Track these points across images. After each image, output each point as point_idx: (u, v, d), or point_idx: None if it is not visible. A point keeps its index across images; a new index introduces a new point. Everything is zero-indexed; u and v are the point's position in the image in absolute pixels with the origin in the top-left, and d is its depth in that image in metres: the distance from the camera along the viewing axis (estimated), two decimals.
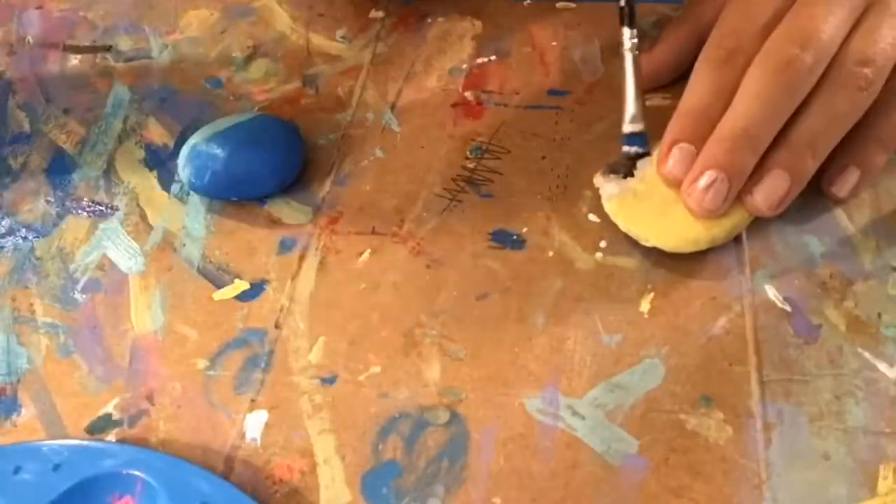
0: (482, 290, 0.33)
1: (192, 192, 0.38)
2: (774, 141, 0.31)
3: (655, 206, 0.33)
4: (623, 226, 0.33)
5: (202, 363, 0.33)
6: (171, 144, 0.41)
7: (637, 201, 0.33)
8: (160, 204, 0.38)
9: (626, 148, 0.34)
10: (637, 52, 0.35)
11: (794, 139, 0.31)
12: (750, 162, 0.31)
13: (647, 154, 0.34)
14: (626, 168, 0.34)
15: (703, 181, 0.31)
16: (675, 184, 0.33)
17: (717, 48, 0.33)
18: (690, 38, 0.37)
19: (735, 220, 0.32)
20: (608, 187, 0.34)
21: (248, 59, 0.44)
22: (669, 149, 0.33)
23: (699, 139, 0.32)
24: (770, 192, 0.31)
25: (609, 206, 0.34)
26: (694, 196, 0.31)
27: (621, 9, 0.36)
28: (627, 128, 0.34)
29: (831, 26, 0.31)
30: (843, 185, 0.33)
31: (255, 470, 0.30)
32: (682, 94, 0.34)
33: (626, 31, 0.35)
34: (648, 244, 0.32)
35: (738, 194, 0.32)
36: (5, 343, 0.35)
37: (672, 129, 0.33)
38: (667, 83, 0.38)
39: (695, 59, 0.34)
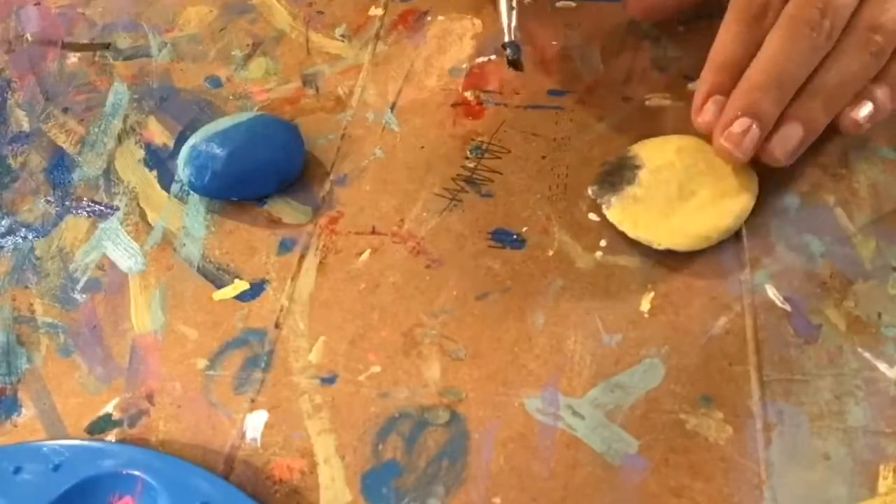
0: (482, 289, 0.33)
1: (191, 192, 0.38)
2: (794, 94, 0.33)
3: (659, 208, 0.33)
4: (632, 233, 0.33)
5: (202, 363, 0.33)
6: (171, 144, 0.41)
7: (640, 206, 0.33)
8: (160, 204, 0.38)
9: (507, 54, 0.37)
10: None
11: (808, 94, 0.33)
12: (775, 112, 0.33)
13: (519, 58, 0.37)
14: (618, 175, 0.34)
15: (739, 126, 0.33)
16: (710, 131, 0.34)
17: (749, 4, 0.34)
18: None
19: (741, 208, 0.33)
20: (606, 197, 0.34)
21: (248, 58, 0.44)
22: (704, 101, 0.34)
23: (765, 116, 0.33)
24: (786, 140, 0.33)
25: (613, 216, 0.34)
26: (732, 139, 0.33)
27: None
28: (506, 39, 0.37)
29: None
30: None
31: (255, 470, 0.30)
32: (709, 49, 0.35)
33: None
34: (661, 247, 0.32)
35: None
36: (5, 343, 0.35)
37: (705, 81, 0.35)
38: (675, 11, 0.40)
39: None
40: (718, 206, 0.33)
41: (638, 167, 0.34)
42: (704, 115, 0.34)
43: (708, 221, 0.32)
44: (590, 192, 0.35)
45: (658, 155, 0.34)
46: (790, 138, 0.33)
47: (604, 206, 0.34)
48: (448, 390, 0.31)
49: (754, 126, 0.33)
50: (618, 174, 0.34)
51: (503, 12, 0.37)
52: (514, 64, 0.37)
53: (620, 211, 0.33)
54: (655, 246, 0.33)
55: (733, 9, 0.35)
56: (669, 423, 0.29)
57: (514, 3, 0.37)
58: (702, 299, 0.32)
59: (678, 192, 0.33)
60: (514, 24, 0.37)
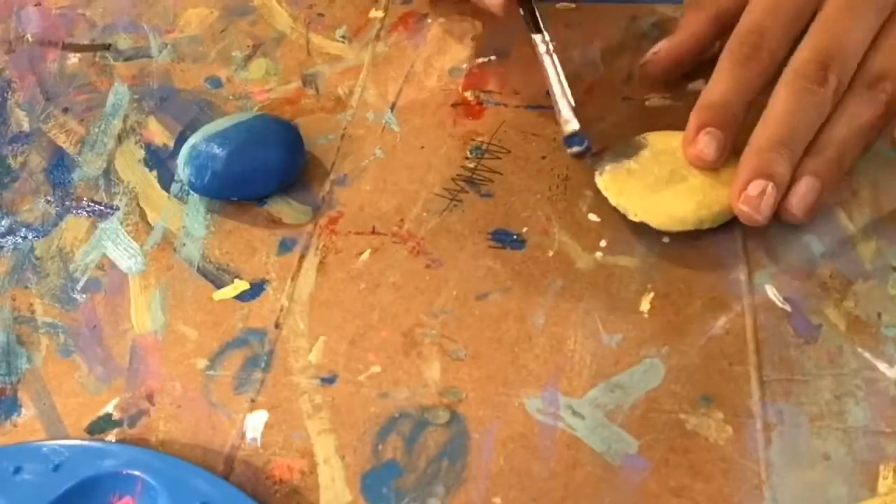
0: (482, 290, 0.33)
1: (191, 192, 0.38)
2: (805, 150, 0.33)
3: (647, 184, 0.34)
4: (613, 199, 0.34)
5: (202, 363, 0.33)
6: (171, 144, 0.41)
7: (630, 178, 0.34)
8: (160, 203, 0.38)
9: (569, 150, 0.35)
10: (554, 55, 0.36)
11: (822, 148, 0.33)
12: (788, 171, 0.32)
13: (588, 150, 0.35)
14: (622, 151, 0.35)
15: (755, 189, 0.32)
16: (705, 167, 0.33)
17: (741, 44, 0.34)
18: (711, 23, 0.37)
19: (724, 207, 0.33)
20: (601, 165, 0.35)
21: (248, 59, 0.44)
22: (697, 133, 0.34)
23: (723, 128, 0.33)
24: (804, 198, 0.32)
25: (601, 182, 0.34)
26: (750, 202, 0.32)
27: (523, 18, 0.37)
28: (565, 130, 0.35)
29: (856, 42, 0.33)
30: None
31: (255, 470, 0.30)
32: (696, 90, 0.35)
33: (537, 38, 0.37)
34: (636, 219, 0.33)
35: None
36: (5, 343, 0.35)
37: (696, 118, 0.34)
38: (689, 70, 0.38)
39: (714, 43, 0.36)
40: (704, 195, 0.33)
41: (642, 147, 0.35)
42: (698, 146, 0.33)
43: (687, 206, 0.33)
44: (592, 159, 0.35)
45: (664, 141, 0.35)
46: (808, 194, 0.32)
47: (597, 173, 0.35)
48: (448, 390, 0.31)
49: (770, 187, 0.32)
50: (622, 150, 0.35)
51: (557, 97, 0.36)
52: (581, 155, 0.35)
53: (610, 179, 0.34)
54: (631, 217, 0.33)
55: (727, 49, 0.34)
56: (669, 423, 0.29)
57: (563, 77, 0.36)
58: (702, 299, 0.32)
59: (669, 175, 0.34)
60: (569, 106, 0.35)
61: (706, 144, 0.33)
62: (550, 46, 0.37)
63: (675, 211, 0.33)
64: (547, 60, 0.37)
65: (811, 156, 0.33)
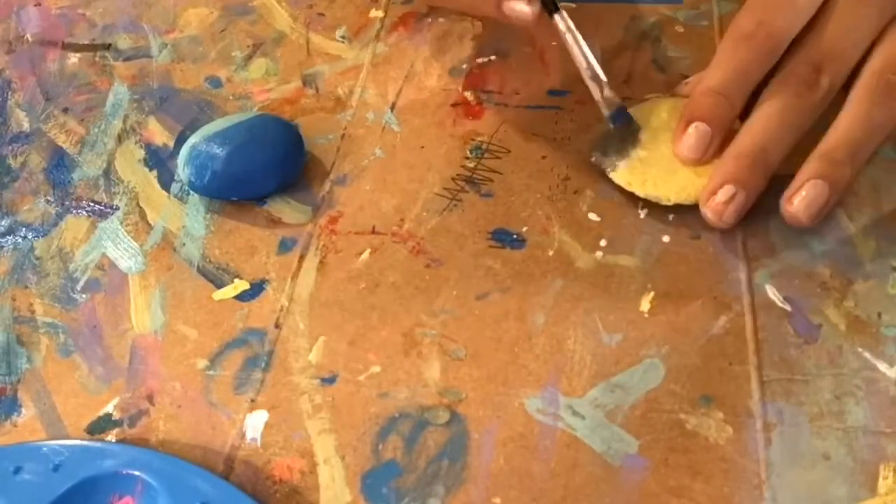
0: (482, 289, 0.33)
1: (191, 192, 0.38)
2: (812, 151, 0.32)
3: (664, 167, 0.34)
4: (641, 192, 0.34)
5: (202, 363, 0.33)
6: (171, 144, 0.41)
7: (646, 167, 0.34)
8: (160, 203, 0.38)
9: (613, 127, 0.35)
10: (577, 32, 0.35)
11: (831, 149, 0.32)
12: (764, 179, 0.32)
13: (631, 124, 0.35)
14: (619, 139, 0.35)
15: (723, 195, 0.32)
16: (688, 164, 0.34)
17: (741, 27, 0.33)
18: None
19: None
20: (611, 161, 0.35)
21: (248, 59, 0.44)
22: (686, 126, 0.33)
23: (715, 119, 0.33)
24: (810, 202, 0.31)
25: (621, 178, 0.34)
26: (713, 208, 0.32)
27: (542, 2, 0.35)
28: (605, 111, 0.35)
29: (856, 42, 0.32)
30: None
31: (255, 470, 0.30)
32: (709, 49, 0.35)
33: (556, 17, 0.35)
34: (671, 203, 0.34)
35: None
36: (5, 343, 0.35)
37: (688, 109, 0.34)
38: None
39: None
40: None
41: (637, 131, 0.35)
42: (682, 144, 0.33)
43: (706, 174, 0.33)
44: (593, 158, 0.35)
45: (652, 117, 0.35)
46: (815, 199, 0.31)
47: (609, 170, 0.35)
48: (448, 390, 0.31)
49: (739, 194, 0.32)
50: (618, 138, 0.35)
51: (588, 75, 0.35)
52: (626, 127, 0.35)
53: (628, 173, 0.34)
54: (664, 202, 0.34)
55: (727, 33, 0.34)
56: (669, 423, 0.29)
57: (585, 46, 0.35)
58: (702, 299, 0.32)
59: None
60: (601, 83, 0.35)
61: (689, 143, 0.33)
62: (570, 23, 0.35)
63: (704, 181, 0.33)
64: (570, 38, 0.35)
65: (819, 158, 0.32)
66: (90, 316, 0.35)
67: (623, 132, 0.35)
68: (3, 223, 0.39)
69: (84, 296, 0.36)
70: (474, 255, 0.34)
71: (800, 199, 0.32)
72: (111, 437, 0.32)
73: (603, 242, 0.34)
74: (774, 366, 0.30)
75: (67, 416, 0.32)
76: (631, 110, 0.36)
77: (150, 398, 0.32)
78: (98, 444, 0.31)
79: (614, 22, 0.42)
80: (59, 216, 0.39)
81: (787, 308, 0.32)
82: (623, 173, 0.34)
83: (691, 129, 0.33)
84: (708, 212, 0.32)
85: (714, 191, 0.32)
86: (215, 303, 0.35)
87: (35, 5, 0.49)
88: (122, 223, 0.38)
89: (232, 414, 0.31)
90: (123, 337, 0.34)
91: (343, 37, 0.44)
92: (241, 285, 0.35)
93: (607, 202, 0.35)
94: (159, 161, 0.40)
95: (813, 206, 0.32)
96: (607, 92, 0.35)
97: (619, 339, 0.31)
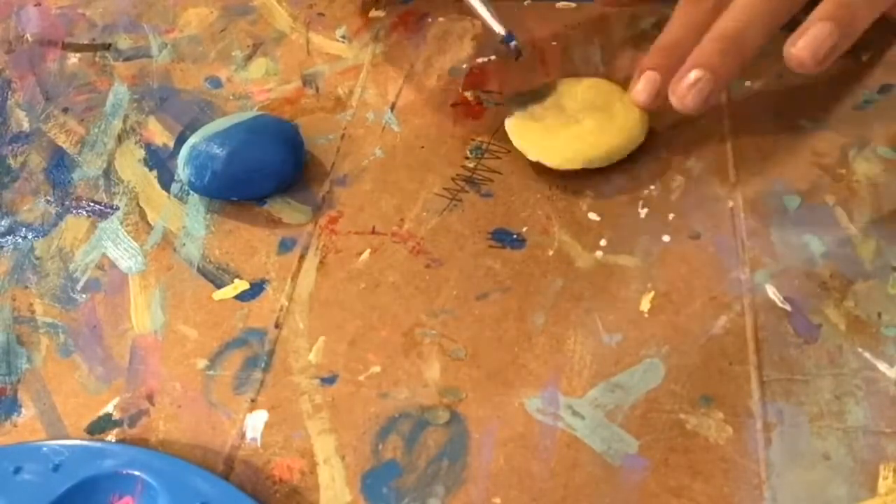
0: (482, 289, 0.33)
1: (191, 192, 0.38)
2: None
3: (545, 126, 0.36)
4: (515, 142, 0.36)
5: (202, 363, 0.33)
6: (171, 144, 0.41)
7: (532, 122, 0.36)
8: (160, 203, 0.38)
9: (510, 45, 0.38)
10: None
11: None
12: (737, 66, 0.32)
13: (513, 40, 0.38)
14: (532, 96, 0.37)
15: (689, 79, 0.32)
16: (642, 108, 0.35)
17: None
18: None
19: (613, 145, 0.35)
20: (512, 109, 0.37)
21: (248, 58, 0.44)
22: (640, 75, 0.35)
23: (668, 70, 0.34)
24: (816, 42, 0.29)
25: (508, 125, 0.37)
26: (678, 93, 0.32)
27: None
28: (499, 34, 0.38)
29: None
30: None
31: (255, 470, 0.30)
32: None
33: None
34: (532, 159, 0.36)
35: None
36: (5, 343, 0.35)
37: (645, 60, 0.35)
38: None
39: None
40: (595, 137, 0.35)
41: (550, 92, 0.37)
42: (635, 89, 0.34)
43: (578, 147, 0.35)
44: (504, 101, 0.39)
45: (571, 87, 0.37)
46: (822, 40, 0.29)
47: (507, 118, 0.37)
48: (448, 390, 0.31)
49: (705, 79, 0.31)
50: (532, 95, 0.37)
51: (479, 8, 0.38)
52: (519, 52, 0.38)
53: (515, 123, 0.37)
54: (529, 157, 0.36)
55: None
56: (669, 423, 0.29)
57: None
58: (702, 299, 0.32)
59: (566, 119, 0.36)
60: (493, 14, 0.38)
61: (640, 88, 0.34)
62: None
63: (566, 151, 0.35)
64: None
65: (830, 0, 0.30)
66: (90, 316, 0.35)
67: (536, 94, 0.37)
68: (3, 223, 0.39)
69: (84, 296, 0.36)
70: (474, 255, 0.34)
71: (804, 40, 0.29)
72: (111, 437, 0.32)
73: (603, 242, 0.34)
74: (774, 366, 0.30)
75: (67, 416, 0.32)
76: (563, 80, 0.38)
77: (150, 398, 0.32)
78: (98, 444, 0.31)
79: (614, 22, 0.42)
80: (59, 216, 0.39)
81: (787, 308, 0.32)
82: (512, 122, 0.37)
83: (643, 77, 0.35)
84: (672, 96, 0.32)
85: (683, 76, 0.32)
86: (215, 303, 0.35)
87: (35, 5, 0.49)
88: (122, 223, 0.38)
89: (232, 414, 0.31)
90: (123, 337, 0.34)
91: (343, 37, 0.44)
92: (241, 285, 0.35)
93: (607, 202, 0.35)
94: (159, 161, 0.40)
95: (820, 48, 0.29)
96: (497, 25, 0.38)
97: (619, 339, 0.31)
